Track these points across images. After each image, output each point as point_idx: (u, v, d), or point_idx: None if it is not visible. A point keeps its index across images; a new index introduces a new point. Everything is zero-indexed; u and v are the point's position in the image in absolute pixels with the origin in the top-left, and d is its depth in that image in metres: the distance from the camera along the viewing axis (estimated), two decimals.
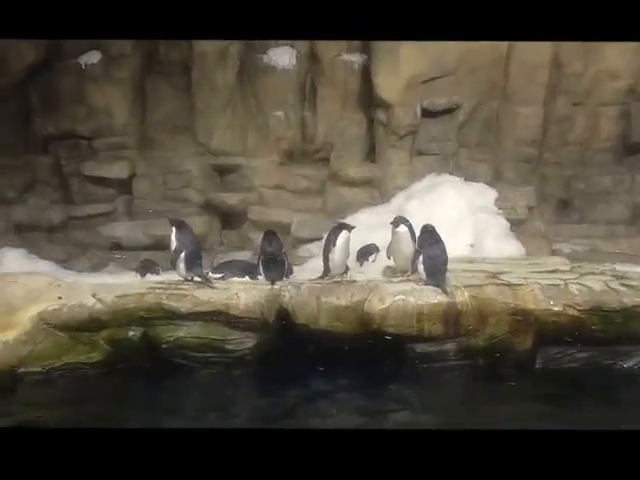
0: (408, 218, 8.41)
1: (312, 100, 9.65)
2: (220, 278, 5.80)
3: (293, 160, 9.68)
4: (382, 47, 9.02)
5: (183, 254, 5.35)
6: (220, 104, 9.53)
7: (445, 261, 5.05)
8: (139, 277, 6.19)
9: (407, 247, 5.43)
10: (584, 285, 5.05)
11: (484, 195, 8.75)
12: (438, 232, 5.18)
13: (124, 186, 9.51)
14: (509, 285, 5.04)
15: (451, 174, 9.00)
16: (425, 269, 5.00)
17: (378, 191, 9.33)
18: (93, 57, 9.52)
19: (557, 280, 5.16)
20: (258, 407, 4.71)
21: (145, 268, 6.38)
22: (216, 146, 9.50)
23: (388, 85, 9.08)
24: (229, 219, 9.42)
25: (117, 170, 9.34)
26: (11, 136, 9.63)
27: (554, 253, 8.61)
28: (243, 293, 5.09)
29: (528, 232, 8.85)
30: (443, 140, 9.22)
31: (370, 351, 5.02)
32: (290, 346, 5.12)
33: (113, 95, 9.48)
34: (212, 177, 9.55)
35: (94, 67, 9.52)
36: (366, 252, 7.54)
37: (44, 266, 7.92)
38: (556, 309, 4.90)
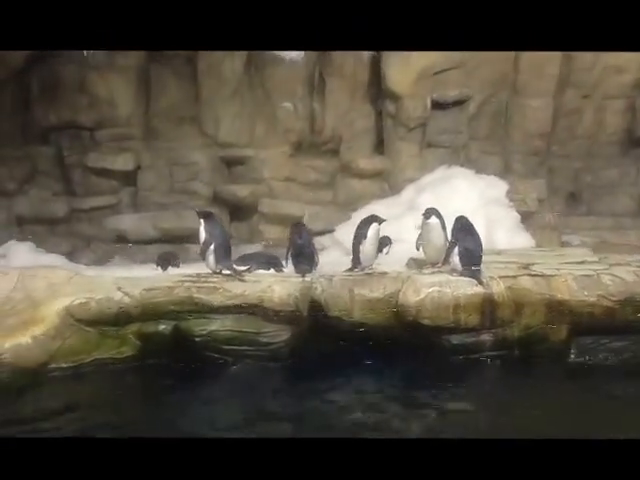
0: (420, 210, 8.55)
1: (321, 91, 9.60)
2: (246, 270, 5.74)
3: (301, 152, 9.63)
4: None
5: (213, 246, 5.29)
6: (227, 94, 9.44)
7: (481, 252, 5.06)
8: (160, 270, 6.11)
9: (438, 238, 5.43)
10: (616, 276, 5.09)
11: (495, 187, 8.81)
12: (472, 223, 5.17)
13: (128, 178, 9.38)
14: (543, 276, 5.06)
15: (462, 166, 9.04)
16: (461, 260, 5.01)
17: (388, 183, 9.34)
18: None
19: (588, 271, 5.19)
20: (296, 399, 4.68)
21: (166, 261, 6.30)
22: (224, 137, 9.41)
23: (399, 77, 9.07)
24: (238, 212, 9.34)
25: (122, 162, 9.20)
26: (10, 126, 9.45)
27: (563, 245, 8.72)
28: (277, 286, 5.05)
29: (538, 224, 8.93)
30: (453, 132, 9.25)
31: (405, 343, 5.01)
32: (324, 338, 5.09)
33: (117, 84, 9.33)
34: (220, 169, 9.47)
35: (97, 55, 9.35)
36: (380, 244, 7.54)
37: (52, 259, 7.81)
38: (591, 300, 4.93)
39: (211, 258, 5.30)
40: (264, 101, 9.57)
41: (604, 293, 4.97)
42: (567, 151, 9.59)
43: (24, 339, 4.60)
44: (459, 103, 9.28)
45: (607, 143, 9.57)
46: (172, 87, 9.60)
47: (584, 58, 9.18)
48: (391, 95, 9.19)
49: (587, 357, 4.95)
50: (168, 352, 4.94)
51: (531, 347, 4.91)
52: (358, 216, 8.84)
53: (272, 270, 5.97)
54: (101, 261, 8.82)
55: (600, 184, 9.44)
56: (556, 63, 9.15)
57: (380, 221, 5.55)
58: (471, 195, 8.48)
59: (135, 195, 9.40)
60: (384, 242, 7.74)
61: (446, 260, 5.21)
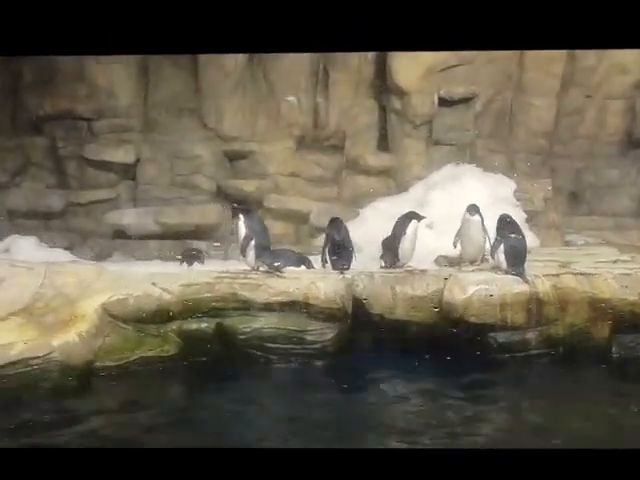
0: (430, 208, 8.68)
1: (324, 86, 9.61)
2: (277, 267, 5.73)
3: (304, 147, 9.63)
4: None
5: (253, 242, 5.27)
6: (229, 86, 9.36)
7: (526, 250, 5.19)
8: (186, 266, 6.06)
9: (479, 236, 5.55)
10: None
11: (504, 186, 8.99)
12: (517, 221, 5.31)
13: (127, 171, 9.23)
14: (584, 275, 5.22)
15: (470, 164, 9.20)
16: (507, 258, 5.13)
17: (394, 180, 9.42)
18: None
19: (626, 269, 5.38)
20: (343, 399, 4.72)
21: (192, 257, 6.25)
22: (226, 131, 9.32)
23: (406, 73, 9.13)
24: None
25: (122, 154, 9.03)
26: (1, 115, 9.20)
27: (567, 244, 8.97)
28: (321, 282, 5.07)
29: (542, 223, 9.15)
30: (460, 130, 9.38)
31: (449, 341, 5.10)
32: (366, 336, 5.15)
33: (116, 74, 9.16)
34: (222, 163, 9.39)
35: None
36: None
37: (57, 255, 7.66)
38: (632, 298, 5.11)
39: (251, 254, 5.29)
40: (267, 94, 9.53)
41: None
42: (569, 151, 9.84)
43: (71, 337, 4.51)
44: (465, 100, 9.43)
45: (607, 143, 9.85)
46: (171, 78, 9.45)
47: (588, 58, 9.43)
48: (397, 91, 9.26)
49: (628, 354, 5.11)
50: (212, 351, 4.92)
51: (575, 345, 5.06)
52: (366, 213, 9.00)
53: (302, 267, 5.98)
54: (100, 257, 8.66)
55: (601, 184, 9.71)
56: (561, 62, 9.39)
57: (420, 218, 5.63)
58: (482, 193, 8.62)
59: (134, 189, 9.24)
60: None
61: (491, 257, 5.32)
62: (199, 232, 8.81)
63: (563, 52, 9.29)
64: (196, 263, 6.18)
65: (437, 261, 6.31)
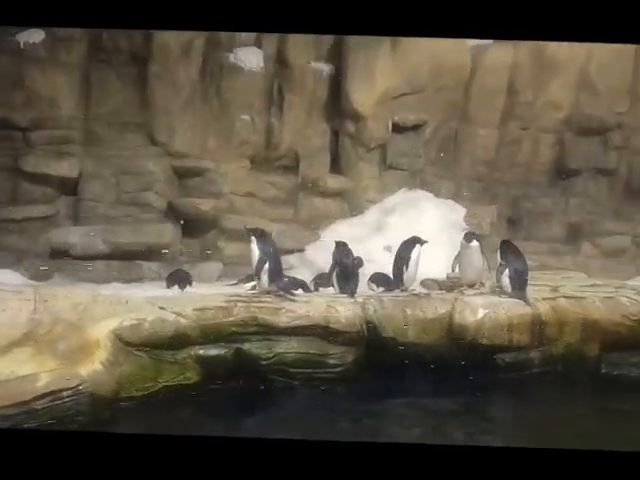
0: (389, 232, 9.12)
1: (278, 106, 9.80)
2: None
3: (257, 166, 9.74)
4: (357, 59, 9.55)
5: (267, 265, 5.34)
6: (181, 102, 9.31)
7: (527, 274, 5.67)
8: (178, 289, 5.97)
9: (478, 261, 5.97)
10: (630, 297, 5.95)
11: (455, 211, 9.62)
12: (518, 247, 5.78)
13: (65, 186, 8.87)
14: (575, 298, 5.79)
15: (422, 190, 9.75)
16: (511, 282, 5.57)
17: (348, 203, 9.77)
18: (35, 36, 8.77)
19: (606, 293, 6.01)
20: (366, 423, 4.90)
21: (182, 280, 6.15)
22: (178, 147, 9.24)
23: (362, 97, 9.59)
24: (190, 227, 9.18)
25: (66, 168, 8.69)
26: None
27: None
28: (340, 306, 5.24)
29: (488, 248, 9.85)
30: (412, 156, 9.94)
31: (459, 362, 5.45)
32: (381, 359, 5.37)
33: (58, 82, 8.84)
34: (173, 181, 9.27)
35: (36, 47, 8.79)
36: (355, 265, 7.94)
37: (10, 277, 7.21)
38: (616, 319, 5.73)
39: (265, 277, 5.35)
40: (219, 112, 9.56)
41: (625, 313, 5.78)
42: (507, 178, 10.70)
43: (97, 365, 4.35)
44: (416, 127, 10.02)
45: (540, 173, 10.82)
46: (115, 89, 9.25)
47: (526, 94, 10.38)
48: (352, 115, 9.66)
49: (615, 371, 5.72)
50: (233, 377, 4.92)
51: (571, 363, 5.59)
52: (327, 236, 9.25)
53: (300, 290, 6.10)
54: (37, 279, 8.22)
55: (537, 211, 10.64)
56: (502, 96, 10.25)
57: (422, 242, 5.95)
58: (435, 218, 9.20)
59: (74, 205, 8.89)
60: (358, 263, 8.15)
61: (496, 281, 5.74)
62: (151, 252, 8.62)
63: (504, 86, 10.19)
64: (188, 286, 6.09)
65: (424, 284, 6.66)
